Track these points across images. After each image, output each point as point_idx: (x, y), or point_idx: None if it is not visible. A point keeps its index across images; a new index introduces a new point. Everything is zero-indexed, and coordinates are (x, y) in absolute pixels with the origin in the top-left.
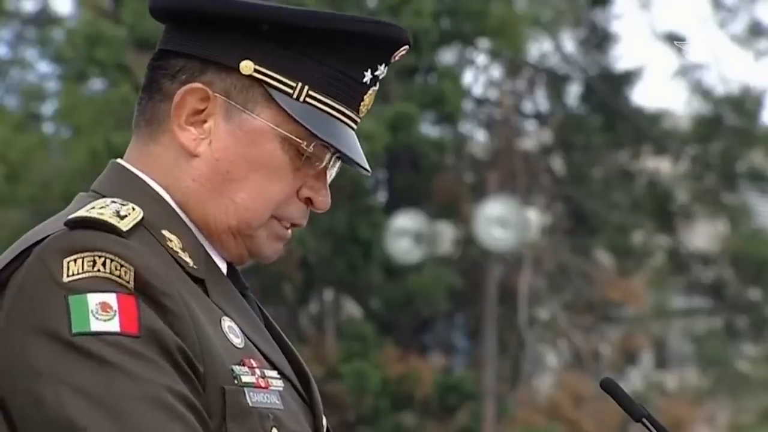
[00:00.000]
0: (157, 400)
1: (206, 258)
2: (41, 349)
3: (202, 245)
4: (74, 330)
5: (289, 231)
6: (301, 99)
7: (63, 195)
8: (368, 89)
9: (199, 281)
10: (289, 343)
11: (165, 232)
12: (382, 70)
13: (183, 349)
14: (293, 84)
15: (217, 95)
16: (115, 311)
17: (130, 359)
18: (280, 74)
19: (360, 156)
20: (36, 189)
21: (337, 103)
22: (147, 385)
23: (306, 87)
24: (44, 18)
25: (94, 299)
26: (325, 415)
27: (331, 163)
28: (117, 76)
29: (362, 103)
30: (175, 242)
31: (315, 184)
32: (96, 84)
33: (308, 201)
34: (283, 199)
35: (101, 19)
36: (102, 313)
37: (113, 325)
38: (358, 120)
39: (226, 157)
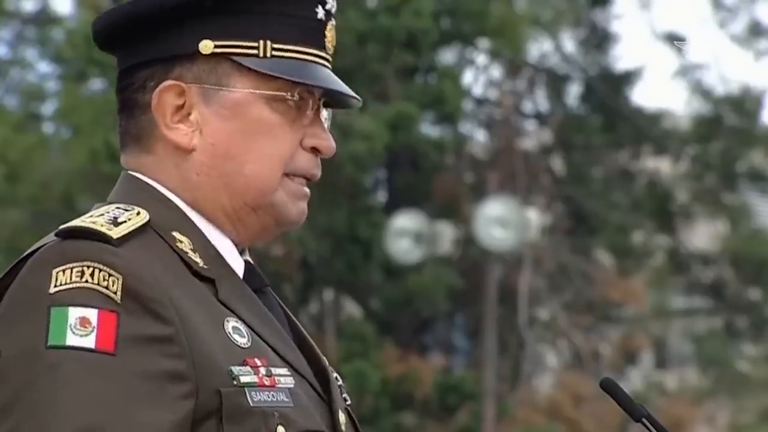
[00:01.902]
0: (104, 427)
1: (217, 258)
2: (15, 358)
3: (213, 246)
4: (49, 343)
5: (306, 189)
6: (269, 55)
7: (63, 195)
8: (326, 25)
9: (208, 281)
10: (310, 340)
11: (175, 234)
12: (331, 3)
13: (163, 366)
14: (255, 44)
15: (191, 85)
16: (94, 327)
17: (95, 380)
18: (239, 40)
19: (344, 87)
20: (36, 189)
21: (303, 47)
22: (102, 413)
23: (268, 42)
24: (44, 18)
25: (74, 313)
26: (351, 409)
27: (320, 107)
28: (117, 77)
29: (326, 40)
30: (185, 243)
31: (314, 131)
32: (96, 84)
33: (314, 150)
34: (289, 155)
35: None
36: (80, 328)
37: (89, 341)
38: (329, 57)
39: (220, 138)
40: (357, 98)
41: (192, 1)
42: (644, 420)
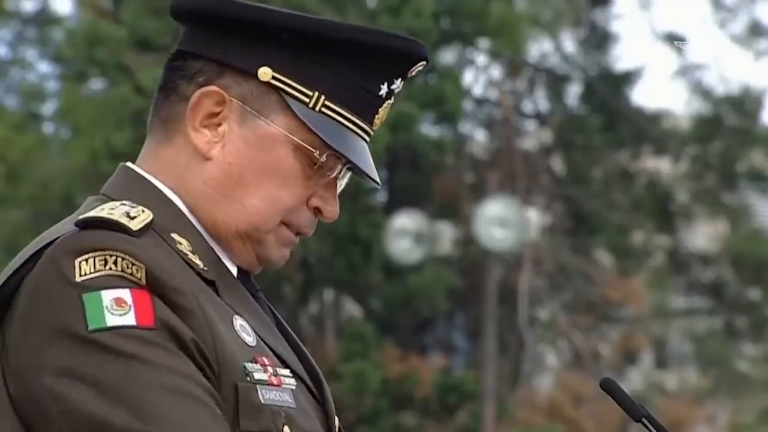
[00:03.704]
0: (179, 388)
1: (216, 260)
2: (60, 348)
3: (211, 248)
4: (90, 327)
5: (296, 239)
6: (317, 108)
7: (63, 195)
8: (383, 102)
9: (209, 283)
10: (300, 344)
11: (174, 236)
12: (398, 85)
13: (197, 343)
14: (310, 93)
15: (233, 99)
16: (130, 306)
17: (148, 350)
18: (297, 83)
19: (372, 168)
20: (36, 189)
21: (353, 115)
22: (167, 373)
23: (323, 97)
24: (44, 18)
25: (108, 295)
26: (337, 415)
27: (342, 173)
28: (117, 76)
29: (376, 116)
30: (184, 245)
31: (324, 194)
32: (96, 84)
33: (317, 211)
34: (293, 207)
35: (101, 19)
36: (117, 308)
37: (129, 319)
38: (372, 132)
39: (238, 161)
40: (378, 183)
41: (268, 27)
42: (644, 420)
